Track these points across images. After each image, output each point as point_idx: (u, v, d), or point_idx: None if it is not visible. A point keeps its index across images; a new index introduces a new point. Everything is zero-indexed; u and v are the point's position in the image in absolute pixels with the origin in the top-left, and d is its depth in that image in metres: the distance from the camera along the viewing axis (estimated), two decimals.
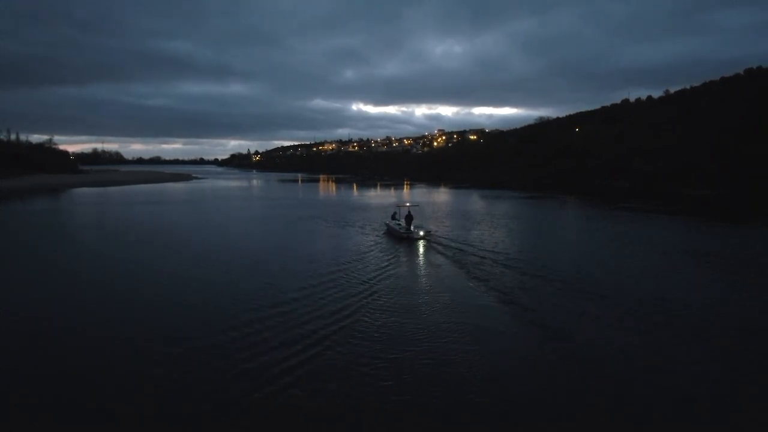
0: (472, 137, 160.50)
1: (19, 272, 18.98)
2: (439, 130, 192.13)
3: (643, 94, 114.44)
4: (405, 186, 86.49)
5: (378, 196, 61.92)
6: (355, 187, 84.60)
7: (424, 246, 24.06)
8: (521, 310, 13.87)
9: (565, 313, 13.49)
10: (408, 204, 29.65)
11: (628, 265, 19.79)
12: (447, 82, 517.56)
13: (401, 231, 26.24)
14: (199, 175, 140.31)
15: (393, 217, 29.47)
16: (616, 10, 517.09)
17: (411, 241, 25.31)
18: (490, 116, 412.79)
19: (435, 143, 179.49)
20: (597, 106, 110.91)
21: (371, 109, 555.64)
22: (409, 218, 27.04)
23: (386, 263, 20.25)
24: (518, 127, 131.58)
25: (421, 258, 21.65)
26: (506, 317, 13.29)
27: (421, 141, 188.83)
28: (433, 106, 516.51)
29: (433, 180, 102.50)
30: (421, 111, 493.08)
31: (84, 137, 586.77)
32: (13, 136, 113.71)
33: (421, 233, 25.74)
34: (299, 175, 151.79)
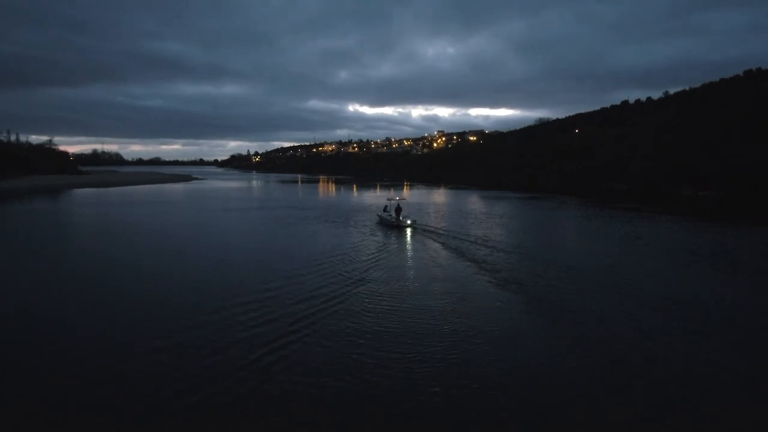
0: (471, 138, 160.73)
1: (18, 272, 18.99)
2: (438, 132, 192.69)
3: (641, 95, 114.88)
4: (405, 187, 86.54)
5: (378, 197, 61.91)
6: (354, 188, 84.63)
7: (411, 232, 28.45)
8: (496, 278, 15.89)
9: (547, 287, 13.57)
10: (398, 198, 34.45)
11: (627, 264, 19.82)
12: (442, 83, 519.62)
13: (392, 220, 30.76)
14: (199, 177, 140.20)
15: (384, 210, 33.46)
16: (607, 11, 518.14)
17: (400, 228, 29.74)
18: (487, 117, 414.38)
19: (435, 144, 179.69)
20: (594, 108, 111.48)
21: (368, 110, 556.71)
22: (398, 210, 31.72)
23: (383, 243, 25.19)
24: (516, 128, 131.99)
25: (409, 240, 26.17)
26: (484, 286, 13.92)
27: (421, 142, 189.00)
28: (430, 107, 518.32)
29: (433, 181, 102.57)
30: (417, 112, 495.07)
31: (83, 138, 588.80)
32: (12, 137, 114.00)
33: (409, 222, 30.15)
34: (299, 176, 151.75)
